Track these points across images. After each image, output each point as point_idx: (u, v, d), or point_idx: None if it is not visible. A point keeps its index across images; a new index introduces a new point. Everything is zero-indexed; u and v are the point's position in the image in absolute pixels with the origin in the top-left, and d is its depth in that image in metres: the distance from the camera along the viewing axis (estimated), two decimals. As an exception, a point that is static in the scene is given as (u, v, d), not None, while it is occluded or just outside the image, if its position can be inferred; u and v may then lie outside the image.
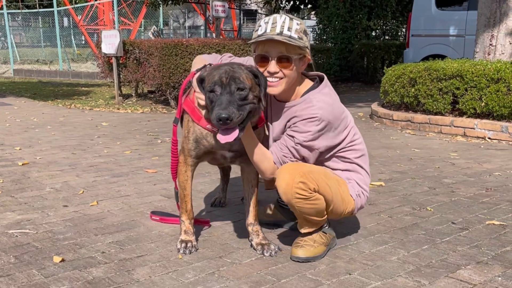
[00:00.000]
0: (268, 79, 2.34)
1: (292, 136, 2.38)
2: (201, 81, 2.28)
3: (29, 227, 2.89)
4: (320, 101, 2.37)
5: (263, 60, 2.36)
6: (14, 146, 5.24)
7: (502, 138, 5.47)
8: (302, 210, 2.35)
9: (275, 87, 2.35)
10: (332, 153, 2.50)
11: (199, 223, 2.87)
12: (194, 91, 2.40)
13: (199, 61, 2.60)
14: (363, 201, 2.59)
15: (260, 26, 2.36)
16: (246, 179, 2.58)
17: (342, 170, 2.54)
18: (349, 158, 2.53)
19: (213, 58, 2.68)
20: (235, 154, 2.48)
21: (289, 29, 2.31)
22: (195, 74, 2.43)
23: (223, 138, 2.15)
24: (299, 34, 2.32)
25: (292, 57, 2.33)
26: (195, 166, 2.55)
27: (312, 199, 2.31)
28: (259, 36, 2.33)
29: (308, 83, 2.50)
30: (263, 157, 2.41)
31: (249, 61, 2.58)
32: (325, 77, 2.52)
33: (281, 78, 2.35)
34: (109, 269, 2.34)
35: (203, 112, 2.39)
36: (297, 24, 2.33)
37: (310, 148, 2.39)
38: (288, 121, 2.43)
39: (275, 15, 2.37)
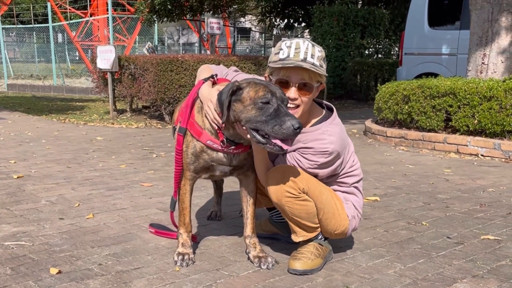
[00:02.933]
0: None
1: (299, 160, 2.40)
2: (234, 92, 2.22)
3: (25, 239, 2.88)
4: (332, 134, 2.38)
5: (282, 85, 2.34)
6: (8, 159, 5.23)
7: (494, 155, 5.52)
8: (293, 211, 2.37)
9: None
10: (332, 179, 2.53)
11: None
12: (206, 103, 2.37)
13: (205, 70, 2.60)
14: (357, 223, 2.62)
15: (281, 49, 2.33)
16: (244, 192, 2.59)
17: (341, 192, 2.57)
18: (347, 183, 2.57)
19: (220, 70, 2.67)
20: (233, 168, 2.49)
21: (312, 56, 2.30)
22: (203, 83, 2.44)
23: (285, 146, 2.16)
24: (320, 62, 2.33)
25: (313, 84, 2.34)
26: (194, 181, 2.55)
27: (301, 199, 2.34)
28: (281, 60, 2.31)
29: (317, 110, 2.51)
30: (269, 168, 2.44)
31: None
32: (334, 109, 2.54)
33: (298, 106, 2.34)
34: (106, 281, 2.33)
35: (207, 124, 2.38)
36: (319, 51, 2.33)
37: (312, 175, 2.42)
38: (297, 147, 2.42)
39: (297, 39, 2.35)
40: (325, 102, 2.57)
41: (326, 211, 2.43)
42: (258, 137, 2.17)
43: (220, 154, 2.42)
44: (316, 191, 2.39)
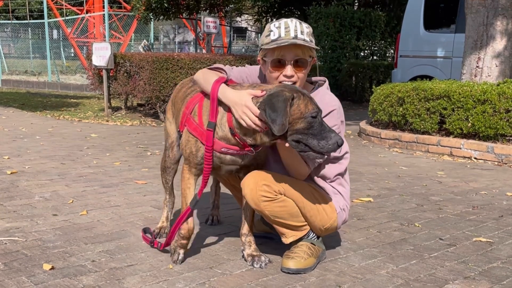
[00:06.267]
0: (283, 82, 2.39)
1: None
2: (286, 101, 2.16)
3: (18, 235, 2.87)
4: (330, 94, 2.48)
5: (278, 64, 2.40)
6: (2, 155, 5.21)
7: (487, 158, 5.56)
8: (274, 214, 2.38)
9: None
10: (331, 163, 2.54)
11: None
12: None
13: (210, 73, 2.47)
14: (346, 215, 2.63)
15: (271, 31, 2.39)
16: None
17: (330, 183, 2.56)
18: (340, 173, 2.57)
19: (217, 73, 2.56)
20: (241, 167, 2.47)
21: (301, 32, 2.37)
22: (219, 84, 2.35)
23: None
24: (310, 37, 2.40)
25: (307, 59, 2.41)
26: (198, 176, 2.52)
27: (278, 200, 2.35)
28: (273, 41, 2.36)
29: (309, 86, 2.57)
30: (300, 161, 2.41)
31: (249, 70, 2.62)
32: (327, 81, 2.60)
33: (295, 82, 2.40)
34: (99, 277, 2.33)
35: (220, 133, 2.32)
36: (306, 27, 2.40)
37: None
38: None
39: (284, 19, 2.41)
40: (319, 78, 2.60)
41: (309, 209, 2.44)
42: (301, 147, 2.19)
43: (231, 157, 2.40)
44: (293, 190, 2.39)
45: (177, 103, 2.74)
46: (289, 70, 2.38)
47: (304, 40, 2.35)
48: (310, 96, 2.23)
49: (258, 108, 2.19)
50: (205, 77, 2.44)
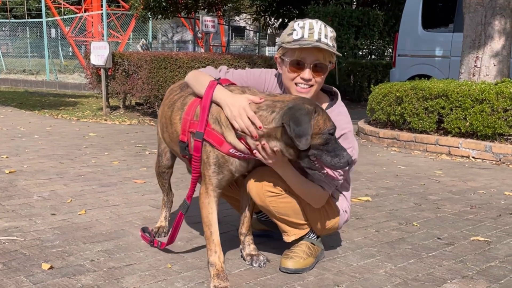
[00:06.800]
0: (299, 85, 2.34)
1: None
2: (310, 114, 2.12)
3: (16, 234, 2.87)
4: (343, 113, 2.42)
5: (296, 65, 2.33)
6: (0, 154, 5.20)
7: (486, 157, 5.57)
8: (278, 210, 2.38)
9: (305, 95, 2.33)
10: None
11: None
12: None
13: (201, 75, 2.44)
14: (348, 216, 2.63)
15: (294, 30, 2.32)
16: (244, 190, 2.56)
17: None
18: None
19: (214, 72, 2.55)
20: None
21: (325, 36, 2.30)
22: (213, 85, 2.29)
23: (334, 176, 2.23)
24: (332, 42, 2.33)
25: (327, 65, 2.35)
26: (218, 198, 2.34)
27: (283, 196, 2.35)
28: (296, 40, 2.29)
29: (322, 95, 2.51)
30: (310, 186, 2.34)
31: (247, 74, 2.54)
32: (339, 94, 2.53)
33: (311, 86, 2.34)
34: (98, 277, 2.33)
35: (227, 135, 2.23)
36: (331, 31, 2.33)
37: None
38: None
39: (310, 20, 2.33)
40: (329, 86, 2.54)
41: (312, 208, 2.44)
42: (309, 164, 2.17)
43: (242, 162, 2.29)
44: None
45: (164, 111, 2.63)
46: (307, 73, 2.31)
47: (327, 44, 2.28)
48: (327, 113, 2.20)
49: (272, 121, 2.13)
50: (198, 80, 2.39)
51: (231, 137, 2.22)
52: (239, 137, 2.21)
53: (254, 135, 2.16)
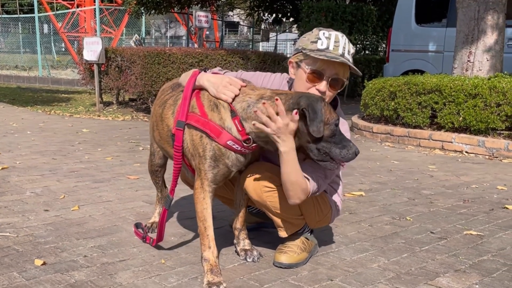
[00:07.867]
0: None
1: None
2: (322, 102, 2.13)
3: (9, 230, 2.86)
4: (345, 124, 2.40)
5: (315, 76, 2.28)
6: (-8, 150, 5.18)
7: (478, 152, 5.59)
8: (275, 205, 2.38)
9: None
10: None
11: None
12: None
13: (189, 72, 2.45)
14: (339, 209, 2.65)
15: (319, 39, 2.28)
16: (239, 185, 2.56)
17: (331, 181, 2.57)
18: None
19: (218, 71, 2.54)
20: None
21: (348, 52, 2.29)
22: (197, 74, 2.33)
23: (343, 164, 2.25)
24: (352, 59, 2.32)
25: (344, 81, 2.32)
26: (213, 193, 2.32)
27: (280, 191, 2.34)
28: (320, 50, 2.25)
29: None
30: (300, 175, 2.23)
31: (243, 74, 2.52)
32: (339, 101, 2.51)
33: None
34: (91, 272, 2.33)
35: (226, 123, 2.20)
36: (352, 48, 2.32)
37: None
38: None
39: (336, 32, 2.30)
40: None
41: (305, 203, 2.44)
42: (321, 156, 2.16)
43: (238, 156, 2.26)
44: None
45: (155, 110, 2.62)
46: (323, 85, 2.28)
47: (349, 61, 2.27)
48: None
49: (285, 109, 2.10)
50: (186, 76, 2.43)
51: (228, 119, 2.20)
52: (233, 117, 2.20)
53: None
